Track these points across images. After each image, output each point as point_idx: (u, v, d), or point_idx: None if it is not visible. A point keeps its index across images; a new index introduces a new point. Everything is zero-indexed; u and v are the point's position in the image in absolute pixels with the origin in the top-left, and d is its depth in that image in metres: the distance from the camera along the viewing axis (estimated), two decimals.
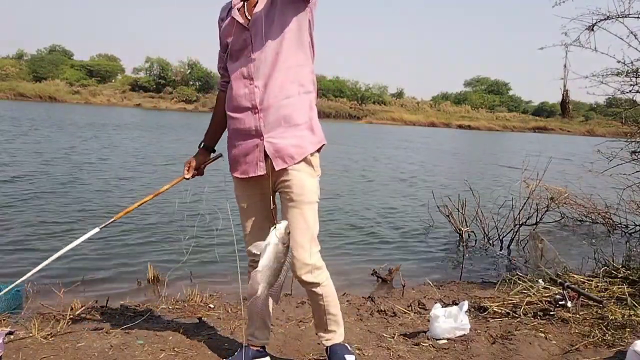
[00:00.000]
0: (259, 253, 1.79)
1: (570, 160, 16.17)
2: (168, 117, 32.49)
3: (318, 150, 2.03)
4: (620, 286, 3.37)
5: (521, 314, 3.01)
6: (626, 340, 2.55)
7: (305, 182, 1.95)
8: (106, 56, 57.98)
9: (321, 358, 2.44)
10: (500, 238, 5.71)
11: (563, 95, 4.31)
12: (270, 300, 2.24)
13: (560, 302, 2.96)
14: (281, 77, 1.91)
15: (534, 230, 5.73)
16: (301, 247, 1.94)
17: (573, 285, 3.13)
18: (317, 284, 2.02)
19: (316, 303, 2.09)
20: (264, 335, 2.27)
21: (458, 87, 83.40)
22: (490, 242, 5.73)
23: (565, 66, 4.07)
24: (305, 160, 1.95)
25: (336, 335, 2.16)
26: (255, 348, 2.25)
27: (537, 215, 5.94)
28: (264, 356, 2.27)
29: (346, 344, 2.20)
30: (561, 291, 3.04)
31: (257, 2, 1.93)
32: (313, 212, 1.97)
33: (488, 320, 2.99)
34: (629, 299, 3.06)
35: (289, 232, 1.78)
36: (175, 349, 2.40)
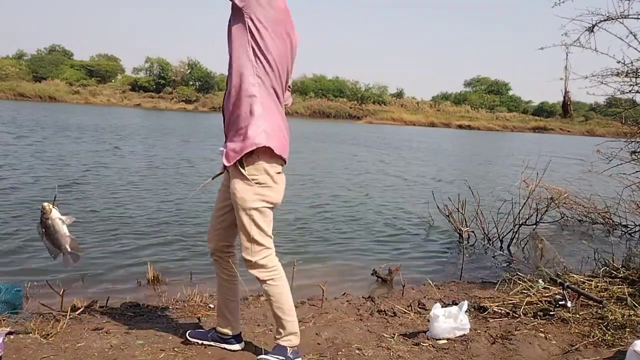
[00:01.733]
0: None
1: (570, 159, 16.17)
2: (173, 116, 32.52)
3: (277, 158, 2.08)
4: (620, 286, 3.37)
5: (521, 314, 3.02)
6: (626, 340, 2.55)
7: (236, 191, 2.06)
8: (106, 56, 57.98)
9: (321, 358, 2.44)
10: (500, 238, 5.71)
11: (564, 96, 4.32)
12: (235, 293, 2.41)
13: (560, 302, 2.96)
14: (232, 83, 2.05)
15: (534, 230, 5.73)
16: (243, 246, 2.15)
17: (573, 285, 3.13)
18: (262, 280, 2.17)
19: (266, 299, 2.24)
20: (224, 323, 2.39)
21: (458, 87, 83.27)
22: (490, 242, 5.73)
23: (565, 67, 4.08)
24: (236, 167, 2.05)
25: (282, 337, 2.25)
26: (220, 333, 2.38)
27: (537, 215, 5.94)
28: (231, 343, 2.39)
29: (287, 349, 2.23)
30: (561, 291, 3.04)
31: None
32: (247, 217, 2.07)
33: (488, 320, 2.99)
34: (629, 299, 3.06)
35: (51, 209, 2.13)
36: (175, 349, 2.40)
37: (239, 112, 2.03)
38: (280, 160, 2.12)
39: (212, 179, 2.53)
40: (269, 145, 2.02)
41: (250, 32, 1.98)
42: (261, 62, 2.01)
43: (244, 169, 2.03)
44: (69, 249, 2.19)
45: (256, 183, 2.04)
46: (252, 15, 1.97)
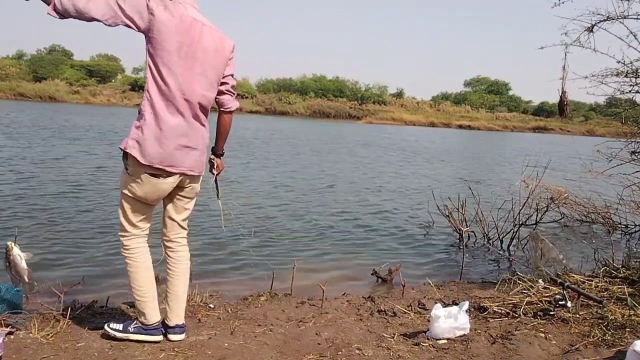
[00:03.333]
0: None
1: (571, 159, 16.17)
2: None
3: (145, 165, 2.23)
4: (620, 286, 3.37)
5: (521, 314, 3.02)
6: (626, 340, 2.55)
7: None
8: (106, 56, 57.98)
9: (321, 358, 2.44)
10: (500, 238, 5.71)
11: (561, 96, 4.32)
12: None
13: (560, 302, 2.96)
14: None
15: (534, 230, 5.73)
16: None
17: (573, 285, 3.13)
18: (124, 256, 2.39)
19: None
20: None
21: (458, 87, 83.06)
22: (490, 242, 5.73)
23: (563, 67, 4.08)
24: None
25: (136, 314, 2.47)
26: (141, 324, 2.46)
27: (537, 215, 5.94)
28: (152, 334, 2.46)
29: (131, 324, 2.44)
30: (561, 291, 3.04)
31: None
32: (120, 198, 2.36)
33: (488, 320, 2.99)
34: (629, 299, 3.06)
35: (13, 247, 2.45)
36: (175, 349, 2.41)
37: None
38: (151, 168, 2.24)
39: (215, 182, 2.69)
40: (132, 153, 2.21)
41: (148, 51, 2.19)
42: (154, 78, 2.21)
43: (126, 158, 2.26)
44: (27, 280, 2.51)
45: (128, 173, 2.27)
46: (148, 36, 2.16)
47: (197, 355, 2.37)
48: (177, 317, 2.50)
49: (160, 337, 2.45)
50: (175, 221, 2.49)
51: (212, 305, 3.16)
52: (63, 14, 2.03)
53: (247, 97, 48.53)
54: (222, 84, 2.43)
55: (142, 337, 2.42)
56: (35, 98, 40.78)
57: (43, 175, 8.10)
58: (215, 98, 2.44)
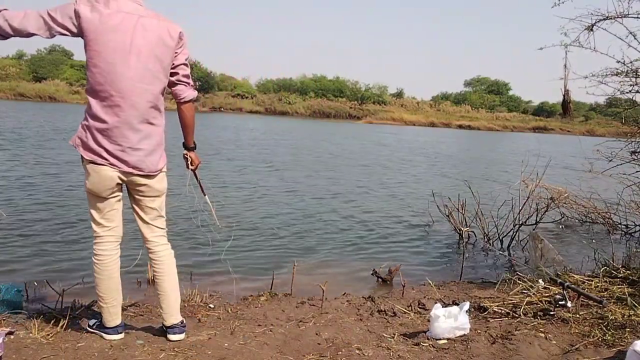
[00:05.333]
0: None
1: (571, 159, 16.18)
2: (173, 116, 32.40)
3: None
4: (620, 286, 3.37)
5: (521, 314, 3.02)
6: (626, 340, 2.55)
7: None
8: None
9: (321, 358, 2.44)
10: (500, 238, 5.71)
11: (564, 95, 4.33)
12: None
13: (560, 302, 2.96)
14: None
15: (534, 230, 5.73)
16: None
17: (573, 285, 3.13)
18: None
19: None
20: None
21: (458, 87, 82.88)
22: (490, 242, 5.73)
23: (565, 66, 4.09)
24: None
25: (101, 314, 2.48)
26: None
27: (537, 215, 5.94)
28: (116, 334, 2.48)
29: (95, 320, 2.52)
30: (561, 291, 3.05)
31: None
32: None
33: (488, 320, 2.99)
34: (629, 299, 3.06)
35: None
36: (175, 349, 2.41)
37: None
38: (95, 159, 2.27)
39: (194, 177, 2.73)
40: (78, 151, 2.27)
41: (85, 48, 2.18)
42: (89, 80, 2.21)
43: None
44: None
45: (85, 170, 2.30)
46: (83, 36, 2.15)
47: (197, 355, 2.36)
48: (171, 316, 2.50)
49: (116, 337, 2.46)
50: (145, 221, 2.48)
51: (212, 305, 3.16)
52: (4, 35, 2.11)
53: (247, 97, 48.50)
54: (173, 74, 2.37)
55: (100, 334, 2.47)
56: (35, 98, 40.76)
57: (43, 176, 8.10)
58: (171, 90, 2.42)
